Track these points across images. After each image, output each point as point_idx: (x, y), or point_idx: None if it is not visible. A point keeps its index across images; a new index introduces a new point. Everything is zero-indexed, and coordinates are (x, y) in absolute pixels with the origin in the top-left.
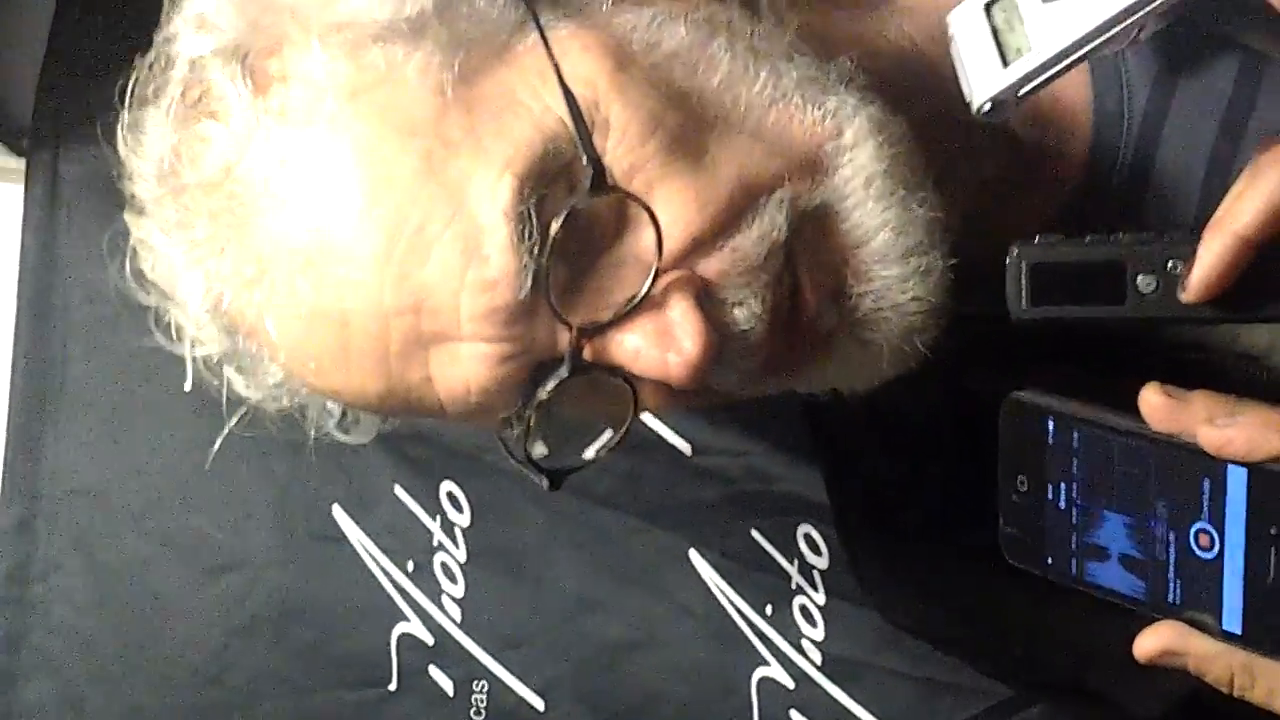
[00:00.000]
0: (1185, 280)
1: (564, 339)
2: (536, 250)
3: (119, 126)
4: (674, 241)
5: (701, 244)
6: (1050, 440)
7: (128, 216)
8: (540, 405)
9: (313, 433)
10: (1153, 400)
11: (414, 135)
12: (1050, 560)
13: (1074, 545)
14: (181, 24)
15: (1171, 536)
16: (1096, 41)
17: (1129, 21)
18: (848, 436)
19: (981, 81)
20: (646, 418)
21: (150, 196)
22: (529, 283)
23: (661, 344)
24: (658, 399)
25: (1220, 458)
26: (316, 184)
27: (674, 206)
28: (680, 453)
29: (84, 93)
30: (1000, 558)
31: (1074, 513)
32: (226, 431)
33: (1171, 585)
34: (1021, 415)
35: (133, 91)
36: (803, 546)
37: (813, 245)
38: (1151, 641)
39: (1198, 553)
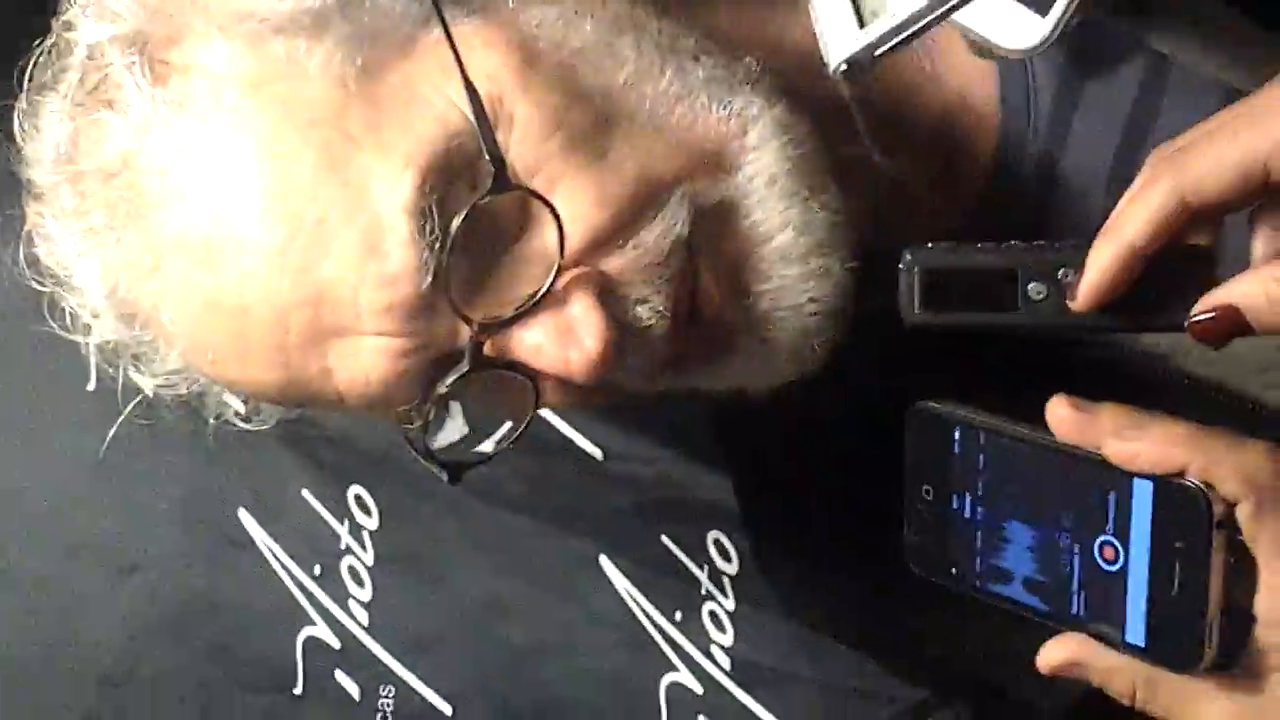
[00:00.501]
0: (1075, 289)
1: (465, 334)
2: (437, 246)
3: (15, 112)
4: (576, 238)
5: (603, 241)
6: (956, 450)
7: (25, 203)
8: (440, 399)
9: (212, 420)
10: (1060, 412)
11: (315, 128)
12: (955, 570)
13: (978, 556)
14: (80, 10)
15: (1076, 549)
16: (948, 5)
17: None
18: (755, 440)
19: (838, 43)
20: (558, 423)
21: (46, 183)
22: (429, 279)
23: (562, 341)
24: (559, 394)
25: (1126, 471)
26: (216, 176)
27: (576, 203)
28: (592, 458)
29: None
30: (903, 570)
31: (979, 523)
32: (122, 418)
33: (1075, 597)
34: (927, 424)
35: (30, 76)
36: (713, 553)
37: (714, 241)
38: (1055, 653)
39: (1102, 565)
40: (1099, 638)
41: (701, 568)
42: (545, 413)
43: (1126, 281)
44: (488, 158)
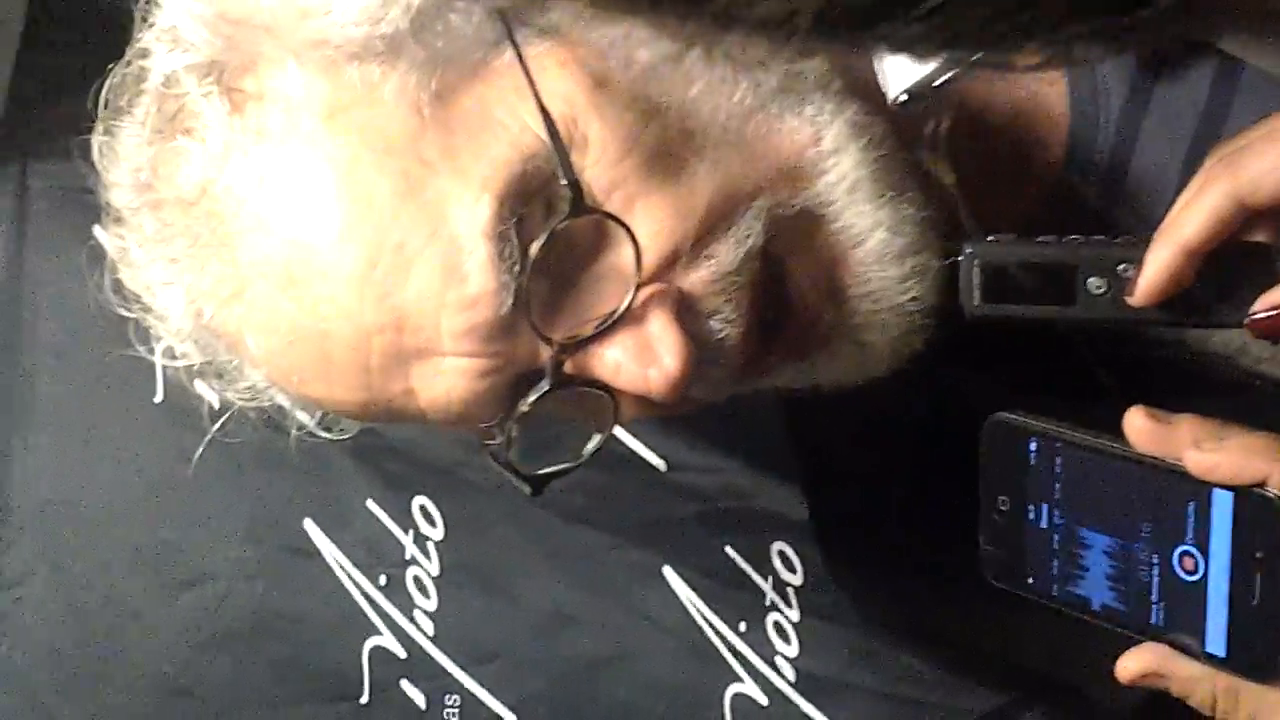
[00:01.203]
0: (1133, 285)
1: (545, 353)
2: (516, 270)
3: (94, 135)
4: (652, 255)
5: (680, 256)
6: (1032, 461)
7: (105, 226)
8: (522, 417)
9: (294, 431)
10: (1138, 423)
11: (392, 155)
12: (1031, 581)
13: (1055, 566)
14: (153, 39)
15: (1155, 559)
16: None
17: None
18: (824, 446)
19: (897, 75)
20: (621, 434)
21: (127, 207)
22: (509, 301)
23: (642, 359)
24: (638, 408)
25: (1206, 481)
26: (295, 204)
27: (652, 221)
28: (655, 469)
29: (53, 106)
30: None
31: (1055, 534)
32: (209, 438)
33: (1155, 608)
34: (1003, 436)
35: (107, 101)
36: (777, 564)
37: (802, 249)
38: (1134, 664)
39: (1181, 575)
40: (1179, 648)
41: (766, 578)
42: None
43: (1184, 278)
44: (565, 183)
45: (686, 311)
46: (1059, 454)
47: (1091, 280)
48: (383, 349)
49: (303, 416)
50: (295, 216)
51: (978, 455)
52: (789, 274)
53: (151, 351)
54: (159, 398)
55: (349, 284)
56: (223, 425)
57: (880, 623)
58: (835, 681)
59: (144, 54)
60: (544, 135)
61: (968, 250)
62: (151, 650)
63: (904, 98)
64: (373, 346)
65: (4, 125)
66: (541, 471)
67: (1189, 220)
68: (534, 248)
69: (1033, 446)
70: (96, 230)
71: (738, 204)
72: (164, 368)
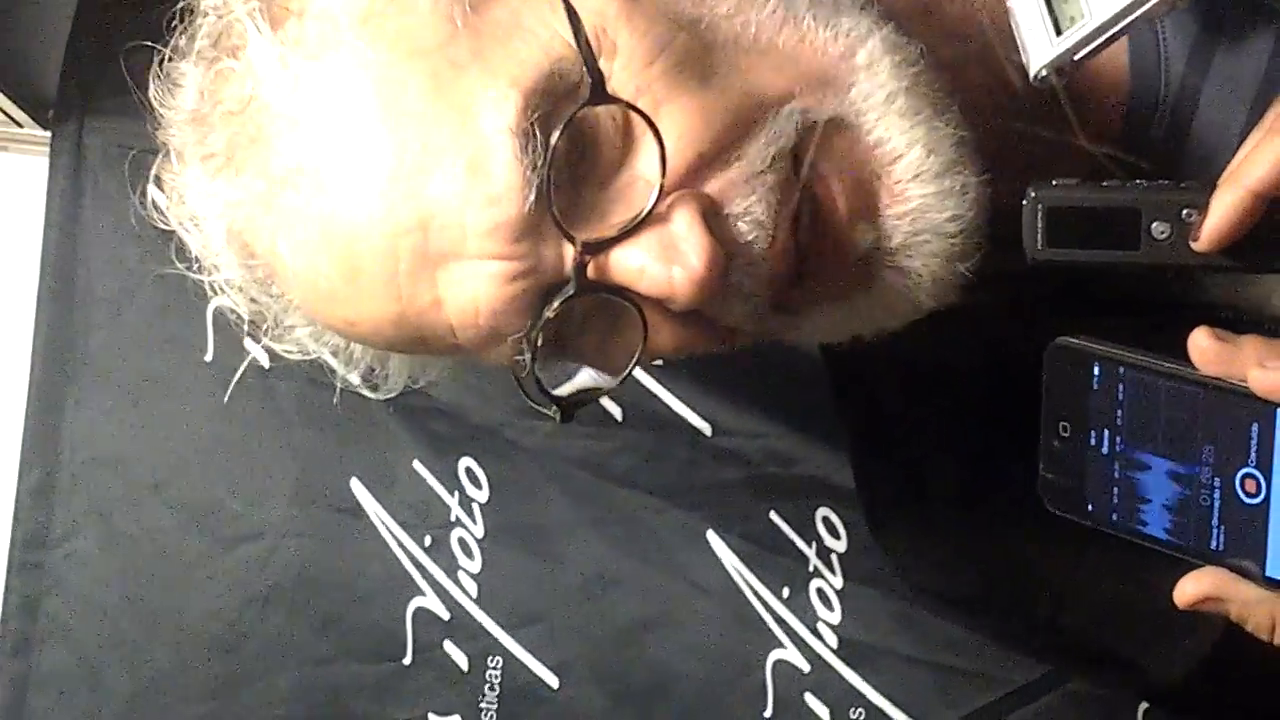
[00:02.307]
0: (1198, 229)
1: (570, 259)
2: (540, 164)
3: (151, 80)
4: (678, 157)
5: (707, 161)
6: (1095, 385)
7: (160, 163)
8: (547, 323)
9: (339, 385)
10: (1202, 343)
11: (423, 57)
12: (1091, 507)
13: (1116, 492)
14: None
15: (1217, 482)
16: (1147, 6)
17: None
18: (873, 393)
19: (1038, 50)
20: (667, 398)
21: (179, 139)
22: (532, 196)
23: (665, 258)
24: (668, 331)
25: (1271, 401)
26: (328, 107)
27: (679, 123)
28: (700, 433)
29: (108, 67)
30: (1027, 520)
31: (1117, 458)
32: (244, 367)
33: (1215, 531)
34: (1066, 360)
35: (168, 49)
36: (821, 530)
37: (837, 156)
38: (1193, 587)
39: (1243, 498)
40: (1239, 572)
41: (810, 544)
42: (653, 386)
43: (1249, 224)
44: (587, 74)
45: (714, 216)
46: (1122, 378)
47: (1155, 225)
48: (410, 252)
49: (350, 376)
50: (326, 119)
51: (1035, 388)
52: (820, 182)
53: (193, 269)
54: (209, 356)
55: (376, 183)
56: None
57: (930, 567)
58: (877, 648)
59: None
60: (572, 40)
61: (1031, 194)
62: (198, 607)
63: (1044, 73)
64: (400, 249)
65: (61, 83)
66: (568, 393)
67: (1255, 165)
68: (555, 136)
69: (1096, 370)
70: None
71: (767, 108)
72: (214, 324)
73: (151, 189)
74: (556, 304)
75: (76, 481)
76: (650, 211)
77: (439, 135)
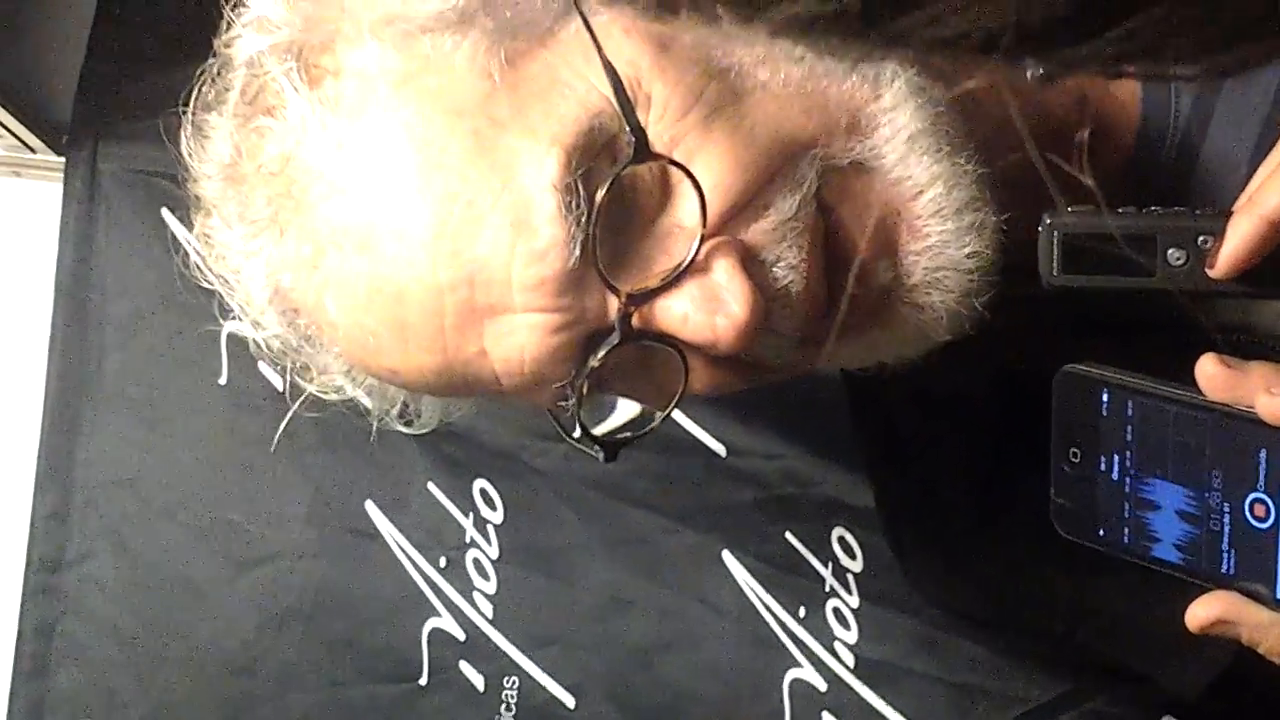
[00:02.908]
0: (1214, 256)
1: (614, 307)
2: (584, 220)
3: (182, 132)
4: (715, 205)
5: (742, 208)
6: (1104, 411)
7: (191, 216)
8: (592, 373)
9: (375, 424)
10: (1209, 370)
11: (463, 116)
12: (1102, 532)
13: (1126, 516)
14: (241, 26)
15: (1226, 507)
16: None
17: None
18: (891, 415)
19: None
20: (682, 419)
21: (213, 194)
22: (577, 251)
23: (709, 308)
24: (708, 373)
25: (1278, 428)
26: (369, 167)
27: (714, 171)
28: (715, 454)
29: (122, 91)
30: (1043, 538)
31: (1127, 484)
32: (288, 417)
33: (1225, 555)
34: (1075, 387)
35: (196, 97)
36: (837, 549)
37: (856, 199)
38: (1204, 611)
39: (1253, 523)
40: (1250, 595)
41: (825, 564)
42: None
43: (1265, 251)
44: (628, 131)
45: (751, 262)
46: (1131, 404)
47: (1171, 251)
48: (456, 307)
49: (386, 403)
50: (369, 180)
51: (1049, 410)
52: (841, 225)
53: (246, 342)
54: (224, 379)
55: (422, 242)
56: (267, 402)
57: (948, 586)
58: (895, 667)
59: (229, 43)
60: (610, 94)
61: (1047, 220)
62: (213, 629)
63: (1040, 70)
64: (446, 305)
65: (75, 108)
66: (608, 434)
67: (1271, 193)
68: (599, 194)
69: (1104, 397)
70: (166, 214)
71: (794, 155)
72: (228, 348)
73: (183, 233)
74: (602, 354)
75: (91, 504)
76: (692, 260)
77: (483, 193)
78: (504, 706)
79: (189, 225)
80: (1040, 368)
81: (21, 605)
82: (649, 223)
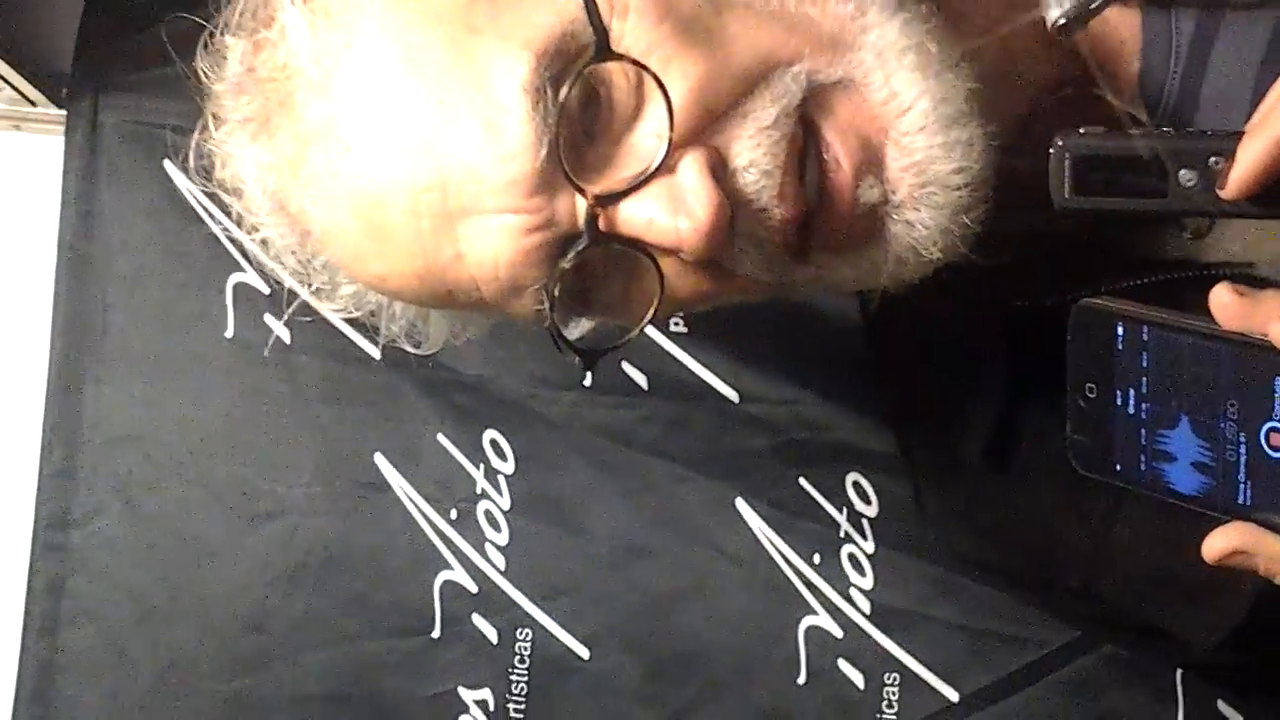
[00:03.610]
0: (1225, 177)
1: (583, 210)
2: (551, 120)
3: (199, 60)
4: (686, 113)
5: (716, 117)
6: (1119, 345)
7: (201, 133)
8: (564, 274)
9: (381, 340)
10: (1224, 299)
11: (442, 23)
12: (1119, 466)
13: (1143, 450)
14: None
15: (1242, 437)
16: None
17: None
18: (909, 362)
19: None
20: (693, 365)
21: (222, 107)
22: (544, 151)
23: (672, 209)
24: (685, 282)
25: None
26: (353, 71)
27: (688, 79)
28: (728, 400)
29: (122, 44)
30: (1060, 482)
31: (1143, 417)
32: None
33: (1242, 486)
34: (1091, 321)
35: (218, 29)
36: (851, 495)
37: (842, 115)
38: (1221, 541)
39: (1269, 453)
40: (1267, 526)
41: (840, 510)
42: (679, 354)
43: (1276, 171)
44: (593, 31)
45: (721, 168)
46: (1146, 337)
47: (1183, 172)
48: (431, 209)
49: (391, 319)
50: (351, 83)
51: (1063, 348)
52: (826, 143)
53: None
54: (230, 333)
55: (398, 143)
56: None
57: (966, 535)
58: (910, 613)
59: None
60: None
61: (1058, 142)
62: (223, 585)
63: (1062, 22)
64: (421, 207)
65: (75, 60)
66: (581, 335)
67: None
68: (564, 90)
69: (1120, 330)
70: (168, 165)
71: (774, 68)
72: (234, 300)
73: (185, 183)
74: (571, 255)
75: (98, 462)
76: (659, 166)
77: (456, 96)
78: (517, 659)
79: (191, 175)
80: (1052, 305)
81: (31, 564)
82: (623, 130)
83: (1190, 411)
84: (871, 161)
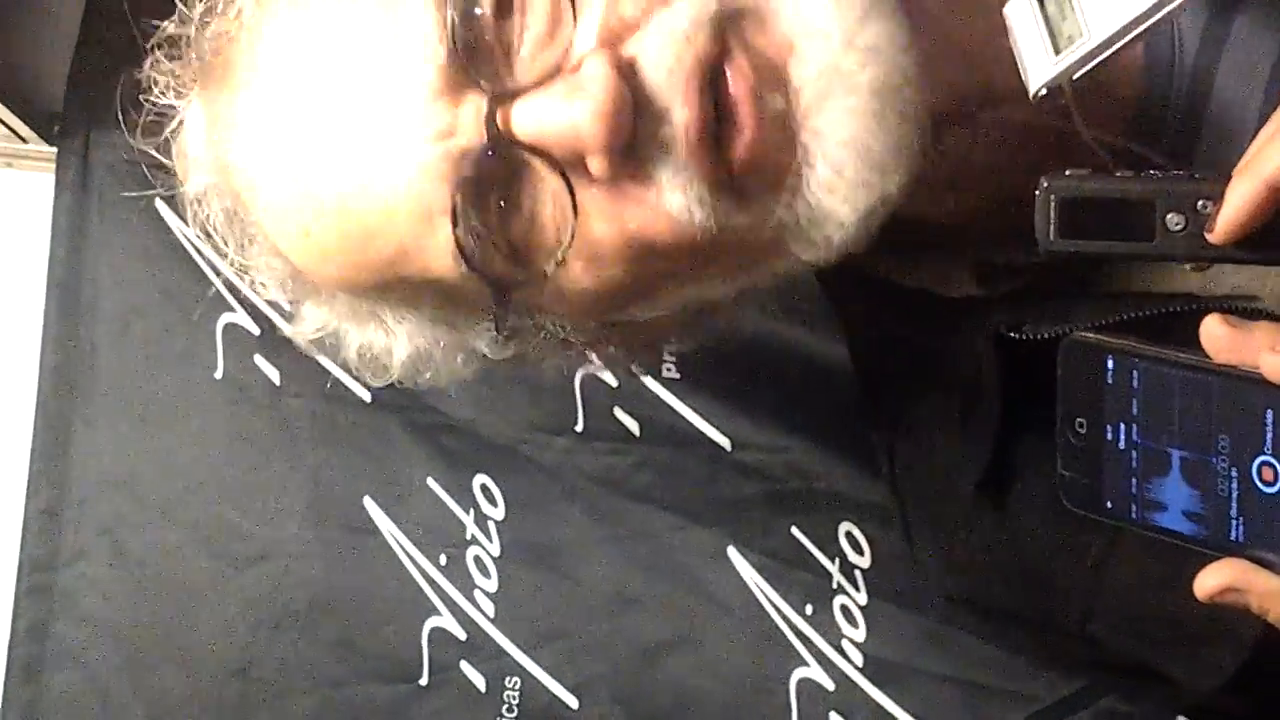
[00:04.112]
0: (1213, 221)
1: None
2: (457, 21)
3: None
4: (597, 17)
5: (628, 25)
6: (1109, 379)
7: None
8: (465, 184)
9: (343, 372)
10: (1215, 331)
11: None
12: (1110, 504)
13: (1134, 486)
14: None
15: (1234, 472)
16: (1149, 23)
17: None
18: (899, 399)
19: (1037, 69)
20: (685, 412)
21: (180, 76)
22: (445, 50)
23: (569, 98)
24: (603, 209)
25: None
26: (288, 21)
27: None
28: (720, 448)
29: (114, 81)
30: (1051, 522)
31: (1133, 453)
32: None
33: (1234, 522)
34: (1080, 355)
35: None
36: (844, 545)
37: (751, 36)
38: (1212, 579)
39: (1261, 488)
40: (1259, 562)
41: (833, 560)
42: (671, 401)
43: (1264, 216)
44: None
45: (626, 68)
46: (1136, 371)
47: (1170, 216)
48: (346, 133)
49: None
50: (289, 25)
51: (1052, 382)
52: (733, 59)
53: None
54: (219, 373)
55: (328, 67)
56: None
57: (961, 575)
58: (903, 666)
59: None
60: None
61: (1044, 184)
62: (210, 629)
63: (1043, 92)
64: (336, 133)
65: (67, 98)
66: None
67: (1269, 158)
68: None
69: (1110, 364)
70: (160, 205)
71: None
72: (223, 341)
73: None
74: (471, 159)
75: (85, 503)
76: (565, 68)
77: (377, 26)
78: (505, 707)
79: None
80: (1048, 337)
81: (15, 606)
82: (536, 39)
83: (1181, 447)
84: (776, 74)
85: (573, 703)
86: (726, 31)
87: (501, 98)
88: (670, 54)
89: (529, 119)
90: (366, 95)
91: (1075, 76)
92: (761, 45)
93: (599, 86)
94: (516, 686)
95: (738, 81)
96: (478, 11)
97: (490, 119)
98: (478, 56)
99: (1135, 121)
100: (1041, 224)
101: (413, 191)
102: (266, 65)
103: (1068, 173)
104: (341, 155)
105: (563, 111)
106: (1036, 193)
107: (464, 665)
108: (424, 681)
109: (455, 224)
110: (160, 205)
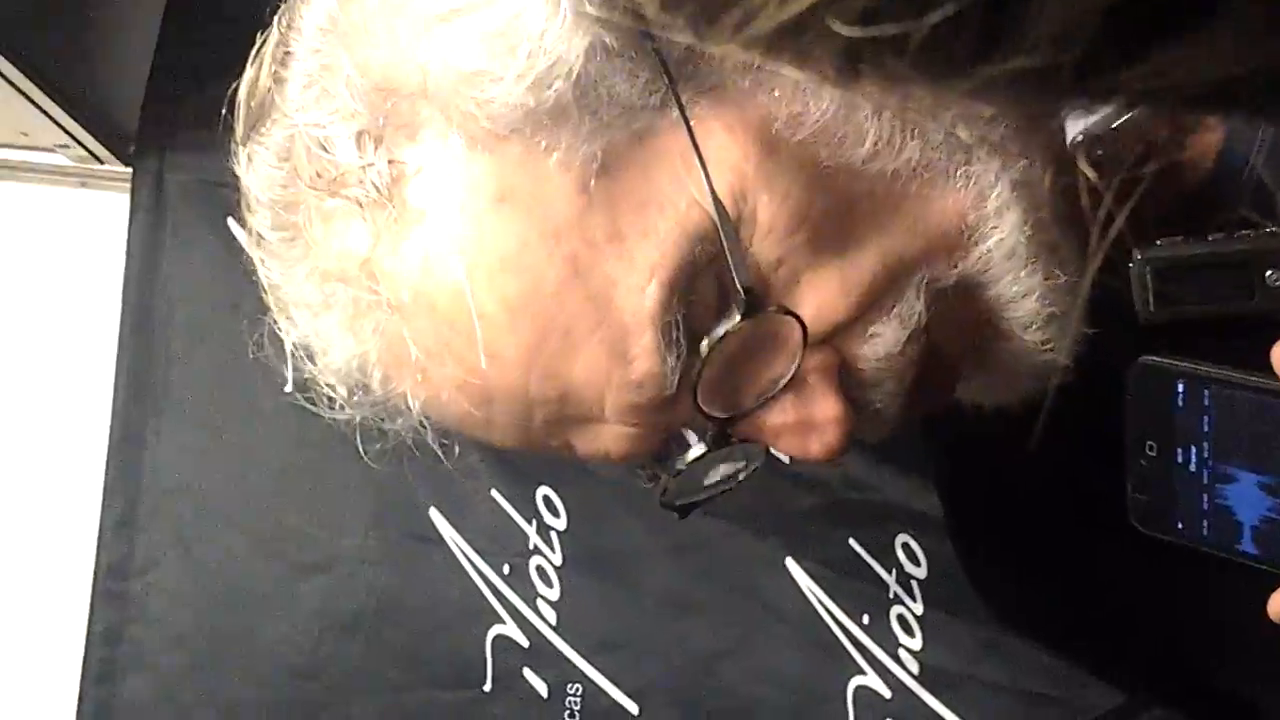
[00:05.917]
0: None
1: (704, 422)
2: (681, 353)
3: (235, 147)
4: (817, 328)
5: (843, 328)
6: (1180, 403)
7: (250, 249)
8: (678, 474)
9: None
10: None
11: (559, 240)
12: (1181, 525)
13: (1205, 508)
14: (298, 90)
15: None
16: None
17: None
18: (957, 431)
19: (1075, 115)
20: None
21: (278, 259)
22: (675, 382)
23: (803, 430)
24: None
25: None
26: (462, 288)
27: (819, 296)
28: (778, 459)
29: (190, 101)
30: (1115, 542)
31: (1204, 475)
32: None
33: None
34: (1150, 379)
35: (246, 115)
36: (901, 556)
37: (952, 316)
38: None
39: None
40: None
41: (889, 571)
42: None
43: None
44: (738, 285)
45: (848, 378)
46: (1207, 393)
47: (1270, 273)
48: (545, 417)
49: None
50: (462, 302)
51: (1123, 403)
52: (940, 345)
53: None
54: (288, 386)
55: (515, 363)
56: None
57: (1007, 616)
58: (960, 675)
59: (279, 80)
60: (712, 212)
61: (1138, 256)
62: (277, 635)
63: (1080, 139)
64: (534, 415)
65: (142, 119)
66: (689, 500)
67: None
68: (704, 346)
69: (1180, 388)
70: (232, 224)
71: (900, 277)
72: (294, 357)
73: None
74: (689, 460)
75: (157, 512)
76: (790, 379)
77: (580, 322)
78: (568, 713)
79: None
80: (1109, 360)
81: (90, 611)
82: (748, 345)
83: (1252, 469)
84: (973, 350)
85: (633, 708)
86: (935, 318)
87: (728, 422)
88: (892, 379)
89: (762, 437)
90: (577, 396)
91: (1114, 125)
92: (967, 316)
93: (834, 433)
94: (578, 693)
95: (944, 364)
96: (704, 355)
97: (719, 436)
98: (702, 389)
99: (1205, 191)
100: (1139, 295)
101: (614, 461)
102: (455, 346)
103: (1159, 241)
104: (540, 426)
105: (798, 443)
106: (1130, 266)
107: (527, 672)
108: (487, 688)
109: (663, 493)
110: (231, 224)
